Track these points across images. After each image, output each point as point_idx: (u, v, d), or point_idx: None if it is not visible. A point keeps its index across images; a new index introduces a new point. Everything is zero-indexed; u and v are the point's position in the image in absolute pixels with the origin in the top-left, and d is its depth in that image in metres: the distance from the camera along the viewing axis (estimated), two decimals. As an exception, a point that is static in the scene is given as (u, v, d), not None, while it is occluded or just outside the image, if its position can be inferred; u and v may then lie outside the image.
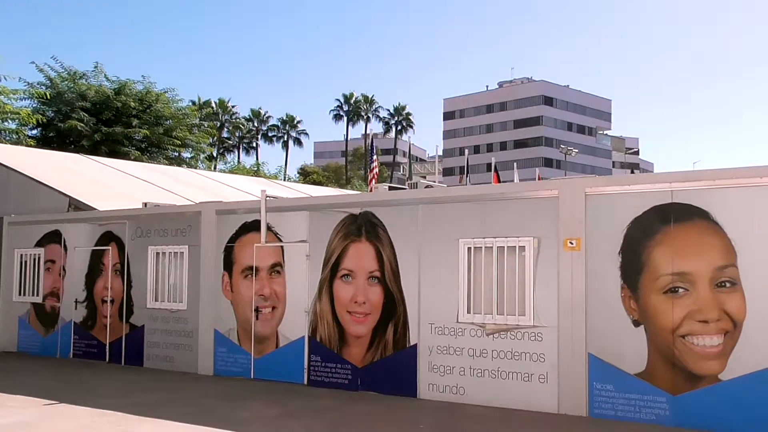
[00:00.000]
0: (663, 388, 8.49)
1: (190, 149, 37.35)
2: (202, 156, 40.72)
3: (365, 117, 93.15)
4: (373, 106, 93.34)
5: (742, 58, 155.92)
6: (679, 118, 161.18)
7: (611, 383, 8.82)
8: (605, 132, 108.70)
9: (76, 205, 15.57)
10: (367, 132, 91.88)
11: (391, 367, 10.50)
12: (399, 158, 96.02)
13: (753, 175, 8.24)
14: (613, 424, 8.57)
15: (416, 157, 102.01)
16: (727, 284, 8.19)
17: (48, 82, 32.30)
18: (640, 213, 8.79)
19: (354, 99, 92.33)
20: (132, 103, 32.75)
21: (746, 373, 8.02)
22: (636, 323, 8.71)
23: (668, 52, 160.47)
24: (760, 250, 8.08)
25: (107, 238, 14.24)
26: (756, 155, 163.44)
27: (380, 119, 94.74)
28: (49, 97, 30.78)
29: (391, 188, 12.98)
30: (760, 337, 7.98)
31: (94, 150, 29.22)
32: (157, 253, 13.47)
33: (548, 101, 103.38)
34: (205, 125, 41.83)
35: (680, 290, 8.42)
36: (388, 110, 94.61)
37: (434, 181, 17.29)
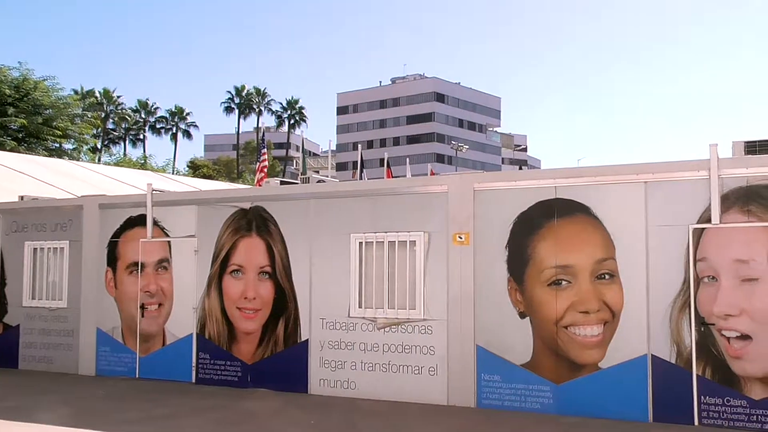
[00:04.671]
0: (547, 378, 8.78)
1: (72, 140, 35.87)
2: (85, 148, 39.21)
3: (257, 110, 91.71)
4: (266, 99, 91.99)
5: (627, 58, 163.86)
6: (565, 117, 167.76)
7: (498, 374, 9.05)
8: (495, 129, 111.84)
9: (-57, 198, 14.57)
10: (260, 125, 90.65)
11: (282, 363, 10.39)
12: (292, 152, 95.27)
13: (630, 172, 8.64)
14: (499, 414, 8.79)
15: (309, 152, 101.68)
16: (606, 276, 8.56)
17: None
18: (526, 208, 9.05)
19: (246, 91, 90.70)
20: (7, 90, 31.07)
21: (623, 361, 8.41)
22: (522, 315, 8.97)
23: (555, 52, 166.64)
24: (636, 243, 8.48)
25: (-21, 233, 13.40)
26: (634, 153, 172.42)
27: (273, 113, 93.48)
28: None
29: (282, 183, 12.86)
30: (635, 327, 8.38)
31: (-36, 139, 27.53)
32: (35, 249, 12.81)
33: (440, 98, 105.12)
34: (89, 115, 40.22)
35: (563, 282, 8.74)
36: (281, 104, 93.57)
37: (327, 176, 17.25)
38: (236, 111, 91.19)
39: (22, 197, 13.67)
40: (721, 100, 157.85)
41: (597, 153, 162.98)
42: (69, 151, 36.11)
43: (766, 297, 7.82)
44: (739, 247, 7.98)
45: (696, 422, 8.04)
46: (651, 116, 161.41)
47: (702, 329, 8.07)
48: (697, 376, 8.08)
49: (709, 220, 8.14)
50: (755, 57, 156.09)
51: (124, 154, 71.77)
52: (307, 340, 10.25)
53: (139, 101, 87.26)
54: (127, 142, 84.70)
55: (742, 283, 7.93)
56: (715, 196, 8.10)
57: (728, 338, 7.96)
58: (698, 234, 8.18)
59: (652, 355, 8.30)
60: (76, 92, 62.44)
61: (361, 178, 23.19)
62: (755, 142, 11.87)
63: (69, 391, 10.69)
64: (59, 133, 33.34)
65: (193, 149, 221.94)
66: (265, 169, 19.88)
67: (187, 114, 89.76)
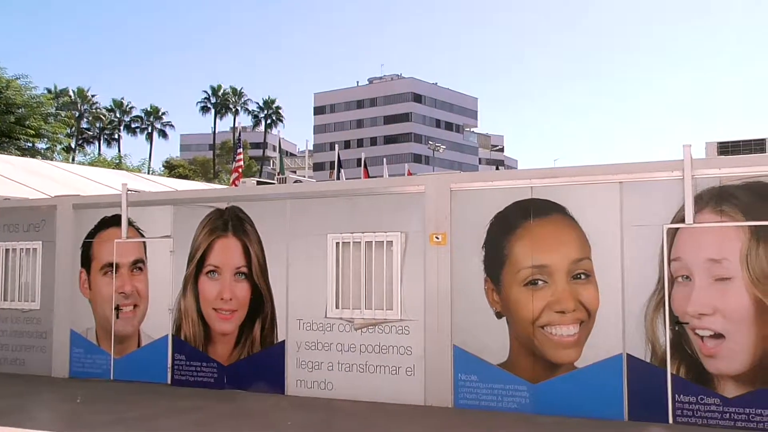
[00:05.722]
0: (524, 377, 8.82)
1: (46, 140, 35.39)
2: (58, 147, 38.70)
3: (234, 110, 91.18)
4: (242, 99, 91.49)
5: (604, 60, 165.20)
6: (541, 117, 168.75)
7: (475, 374, 9.07)
8: (472, 129, 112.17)
9: None
10: (236, 125, 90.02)
11: (259, 364, 10.34)
12: (269, 152, 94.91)
13: (605, 172, 8.70)
14: (476, 414, 8.82)
15: (286, 152, 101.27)
16: (582, 276, 8.62)
17: None
18: (502, 208, 9.08)
19: (222, 91, 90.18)
20: (-22, 89, 30.61)
21: (599, 360, 8.46)
22: (499, 315, 9.00)
23: (532, 53, 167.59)
24: (611, 243, 8.55)
25: (-51, 233, 13.17)
26: (610, 154, 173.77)
27: (249, 112, 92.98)
28: None
29: (259, 183, 12.80)
30: (611, 326, 8.45)
31: (-66, 139, 27.08)
32: (7, 250, 12.63)
33: (417, 98, 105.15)
34: (62, 115, 39.82)
35: (539, 282, 8.78)
36: (258, 103, 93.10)
37: (304, 176, 17.20)
38: (212, 111, 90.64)
39: (-7, 197, 13.48)
40: (695, 102, 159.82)
41: (573, 154, 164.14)
42: (42, 151, 35.66)
43: (739, 296, 7.92)
44: (712, 247, 8.07)
45: (670, 420, 8.12)
46: (627, 117, 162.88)
47: (676, 328, 8.15)
48: (672, 374, 8.16)
49: (683, 220, 8.22)
50: (730, 60, 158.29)
51: (99, 154, 71.01)
52: (283, 341, 10.20)
53: (114, 100, 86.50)
54: (101, 141, 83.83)
55: (715, 283, 8.02)
56: (688, 196, 8.18)
57: (702, 337, 8.05)
58: (672, 234, 8.26)
59: (627, 354, 8.37)
60: (49, 91, 61.73)
61: (338, 179, 23.14)
62: (728, 143, 12.06)
63: (41, 394, 10.56)
64: (32, 132, 32.88)
65: (168, 149, 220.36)
66: (241, 170, 19.68)
67: (163, 113, 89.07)
